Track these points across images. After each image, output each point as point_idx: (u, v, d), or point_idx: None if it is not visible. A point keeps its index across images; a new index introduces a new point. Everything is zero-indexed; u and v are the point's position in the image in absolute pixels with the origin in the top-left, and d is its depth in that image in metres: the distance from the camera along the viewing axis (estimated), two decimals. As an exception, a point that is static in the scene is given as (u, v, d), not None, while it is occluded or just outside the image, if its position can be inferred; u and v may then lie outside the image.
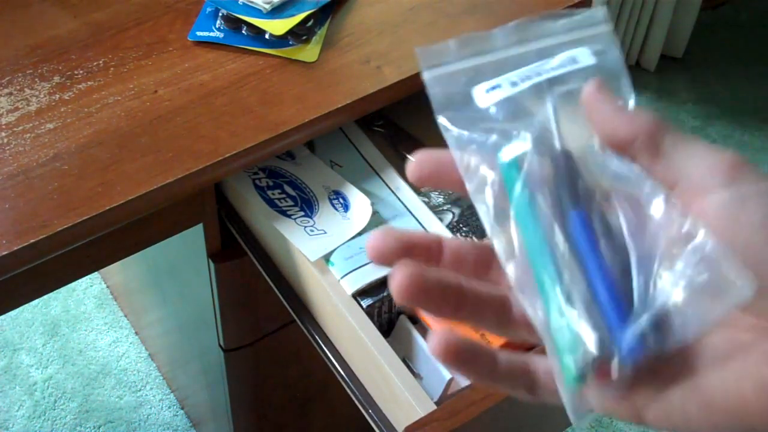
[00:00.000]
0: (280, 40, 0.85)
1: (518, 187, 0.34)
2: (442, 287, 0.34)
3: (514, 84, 0.36)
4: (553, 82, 0.36)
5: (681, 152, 0.32)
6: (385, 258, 0.35)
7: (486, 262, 0.36)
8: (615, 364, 0.31)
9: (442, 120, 0.36)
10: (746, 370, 0.29)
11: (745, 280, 0.30)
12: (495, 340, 0.73)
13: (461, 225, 0.80)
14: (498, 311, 0.35)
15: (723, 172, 0.31)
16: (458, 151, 0.35)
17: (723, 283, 0.30)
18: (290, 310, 0.81)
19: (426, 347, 0.73)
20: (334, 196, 0.82)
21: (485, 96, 0.36)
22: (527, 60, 0.37)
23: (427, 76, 0.37)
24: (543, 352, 0.33)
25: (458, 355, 0.33)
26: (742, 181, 0.31)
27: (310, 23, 0.86)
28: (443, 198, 0.83)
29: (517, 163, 0.34)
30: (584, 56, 0.36)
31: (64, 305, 1.62)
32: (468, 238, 0.35)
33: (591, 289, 0.32)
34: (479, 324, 0.35)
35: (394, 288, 0.33)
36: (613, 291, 0.32)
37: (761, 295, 0.30)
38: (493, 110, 0.36)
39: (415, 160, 0.37)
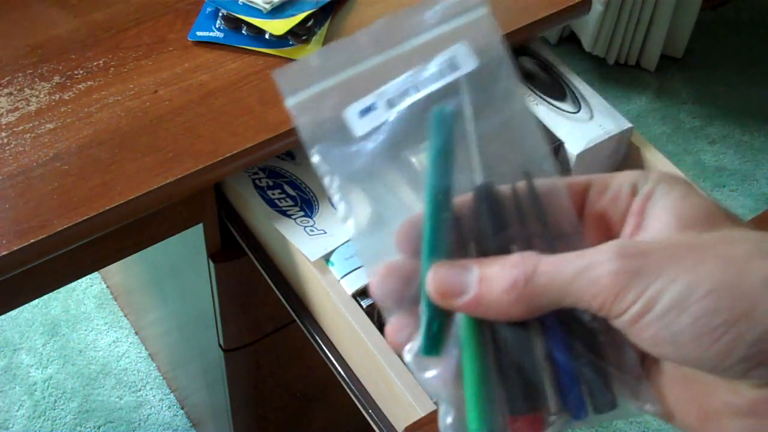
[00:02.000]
0: (280, 40, 0.85)
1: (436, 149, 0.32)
2: None
3: (390, 104, 0.32)
4: (433, 98, 0.32)
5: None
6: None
7: None
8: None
9: (315, 158, 0.32)
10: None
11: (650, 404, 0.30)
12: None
13: (461, 225, 0.80)
14: None
15: (628, 191, 0.33)
16: (337, 194, 0.33)
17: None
18: (290, 310, 0.81)
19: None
20: (334, 196, 0.82)
21: (359, 122, 0.32)
22: (401, 65, 0.32)
23: (290, 103, 0.32)
24: None
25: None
26: (648, 198, 0.32)
27: (310, 23, 0.86)
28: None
29: (448, 118, 0.32)
30: (462, 57, 0.32)
31: (64, 305, 1.62)
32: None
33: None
34: None
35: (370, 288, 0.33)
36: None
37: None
38: (370, 140, 0.32)
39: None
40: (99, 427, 1.47)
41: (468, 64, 0.32)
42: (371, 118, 0.32)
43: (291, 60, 0.84)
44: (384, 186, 0.33)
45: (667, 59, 2.10)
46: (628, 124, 0.84)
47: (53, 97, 0.79)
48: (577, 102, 0.86)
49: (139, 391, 1.52)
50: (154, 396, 1.51)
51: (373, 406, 0.73)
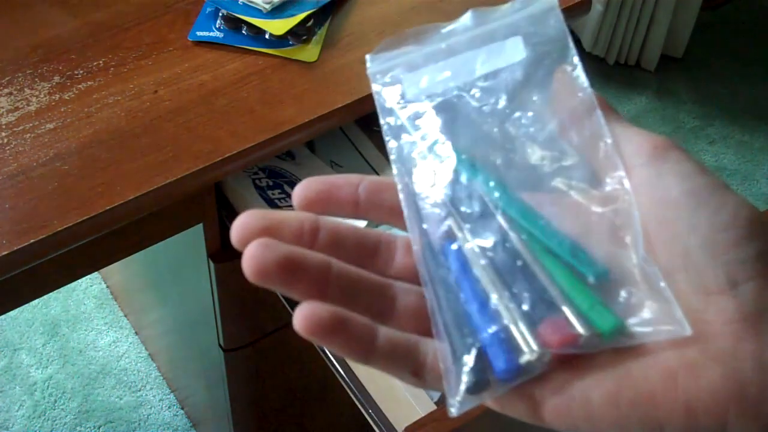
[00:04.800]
0: (280, 40, 0.85)
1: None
2: (306, 265, 0.30)
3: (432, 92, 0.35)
4: (472, 86, 0.34)
5: (614, 134, 0.32)
6: (245, 243, 0.30)
7: (371, 248, 0.33)
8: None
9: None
10: (655, 362, 0.29)
11: (683, 325, 0.29)
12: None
13: (461, 225, 0.80)
14: (379, 299, 0.32)
15: (647, 152, 0.31)
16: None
17: (659, 315, 0.29)
18: (290, 310, 0.81)
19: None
20: (334, 196, 0.82)
21: (413, 83, 0.35)
22: (463, 48, 0.35)
23: (368, 58, 0.36)
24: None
25: (326, 327, 0.29)
26: (665, 160, 0.31)
27: (310, 23, 0.86)
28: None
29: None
30: (514, 49, 0.34)
31: (64, 305, 1.62)
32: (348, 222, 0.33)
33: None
34: (353, 310, 0.31)
35: (245, 263, 0.29)
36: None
37: (669, 274, 0.29)
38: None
39: (301, 184, 0.33)
40: (99, 427, 1.47)
41: (518, 54, 0.34)
42: (423, 79, 0.35)
43: (291, 60, 0.84)
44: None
45: (667, 59, 2.10)
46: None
47: (53, 97, 0.79)
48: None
49: (139, 391, 1.52)
50: (154, 396, 1.51)
51: (373, 406, 0.73)
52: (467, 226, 0.32)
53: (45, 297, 1.48)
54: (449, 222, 0.32)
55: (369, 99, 0.82)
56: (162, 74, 0.82)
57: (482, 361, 0.30)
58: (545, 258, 0.31)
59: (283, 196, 0.81)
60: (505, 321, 0.30)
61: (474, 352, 0.30)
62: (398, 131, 0.34)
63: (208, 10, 0.88)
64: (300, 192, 0.33)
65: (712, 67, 2.10)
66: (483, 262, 0.31)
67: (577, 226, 0.31)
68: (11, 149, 0.75)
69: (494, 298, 0.30)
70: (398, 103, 0.35)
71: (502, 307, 0.30)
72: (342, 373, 0.76)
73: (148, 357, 1.56)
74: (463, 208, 0.32)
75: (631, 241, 0.30)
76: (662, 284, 0.29)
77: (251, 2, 0.86)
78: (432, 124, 0.34)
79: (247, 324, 0.97)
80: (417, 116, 0.34)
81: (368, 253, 0.33)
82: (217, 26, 0.86)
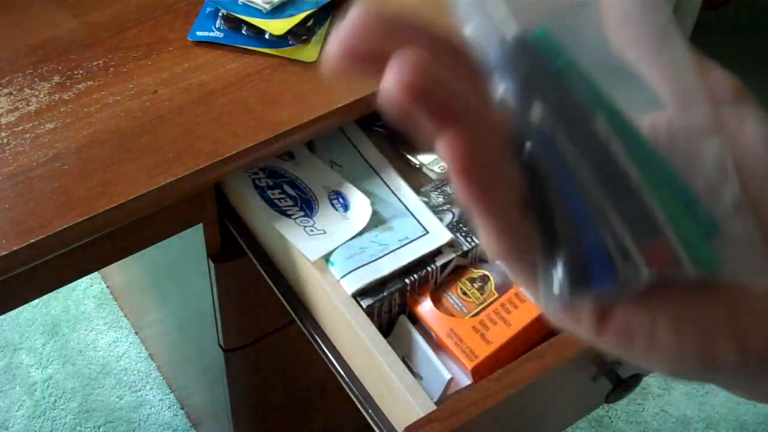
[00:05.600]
0: (280, 40, 0.85)
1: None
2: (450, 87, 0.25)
3: None
4: None
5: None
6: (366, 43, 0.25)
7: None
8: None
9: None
10: (720, 301, 0.28)
11: None
12: (499, 336, 0.73)
13: (461, 225, 0.80)
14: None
15: (730, 91, 0.30)
16: None
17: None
18: (290, 310, 0.81)
19: (426, 348, 0.73)
20: (334, 196, 0.82)
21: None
22: None
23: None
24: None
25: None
26: (745, 103, 0.30)
27: (310, 23, 0.86)
28: (443, 198, 0.83)
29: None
30: None
31: (64, 305, 1.62)
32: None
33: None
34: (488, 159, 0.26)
35: (397, 79, 0.23)
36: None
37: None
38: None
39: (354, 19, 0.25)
40: (99, 427, 1.47)
41: None
42: None
43: (291, 60, 0.84)
44: None
45: (667, 59, 2.10)
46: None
47: (53, 97, 0.79)
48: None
49: (139, 391, 1.52)
50: (154, 396, 1.51)
51: (373, 406, 0.73)
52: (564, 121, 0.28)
53: (45, 297, 1.48)
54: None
55: (369, 99, 0.82)
56: (162, 74, 0.82)
57: (581, 266, 0.28)
58: (651, 182, 0.28)
59: (283, 196, 0.81)
60: (611, 233, 0.28)
61: (576, 256, 0.28)
62: None
63: (208, 10, 0.88)
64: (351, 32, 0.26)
65: (712, 67, 2.10)
66: (582, 162, 0.28)
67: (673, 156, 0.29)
68: (11, 149, 0.75)
69: (598, 205, 0.28)
70: None
71: (607, 217, 0.28)
72: (342, 373, 0.76)
73: (148, 357, 1.56)
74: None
75: (728, 180, 0.29)
76: (754, 230, 0.28)
77: (251, 2, 0.86)
78: None
79: (247, 324, 0.97)
80: None
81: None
82: (217, 26, 0.86)
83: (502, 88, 0.28)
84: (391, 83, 0.24)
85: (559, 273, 0.28)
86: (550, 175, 0.28)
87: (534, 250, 0.28)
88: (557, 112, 0.28)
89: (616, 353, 0.29)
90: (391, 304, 0.75)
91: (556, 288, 0.28)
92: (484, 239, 0.28)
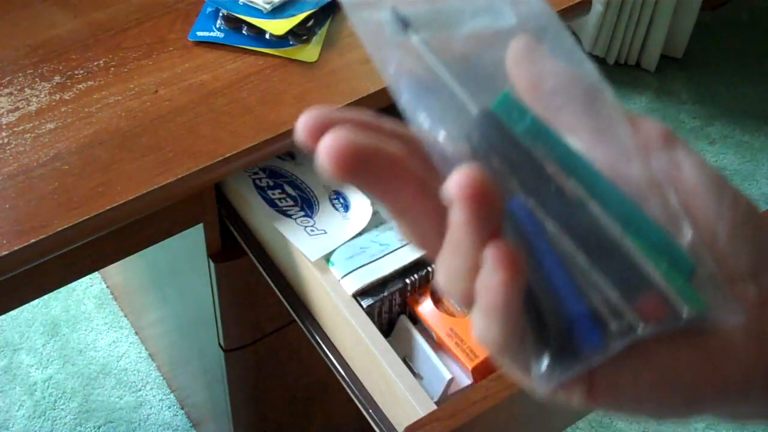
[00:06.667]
0: (280, 40, 0.85)
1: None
2: (385, 155, 0.28)
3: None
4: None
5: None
6: (315, 135, 0.28)
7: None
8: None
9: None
10: (695, 343, 0.29)
11: (735, 311, 0.28)
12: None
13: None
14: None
15: (659, 138, 0.30)
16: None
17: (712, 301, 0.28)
18: (290, 310, 0.81)
19: (426, 348, 0.73)
20: (335, 196, 0.82)
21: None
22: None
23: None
24: None
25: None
26: (676, 148, 0.30)
27: (310, 23, 0.86)
28: (443, 198, 0.83)
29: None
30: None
31: (64, 305, 1.62)
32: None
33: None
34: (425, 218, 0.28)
35: (326, 153, 0.27)
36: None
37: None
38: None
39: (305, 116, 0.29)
40: (99, 427, 1.47)
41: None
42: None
43: (291, 60, 0.84)
44: None
45: (667, 59, 2.10)
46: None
47: (54, 97, 0.79)
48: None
49: (139, 391, 1.52)
50: (154, 396, 1.51)
51: (373, 406, 0.73)
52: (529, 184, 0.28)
53: (45, 297, 1.48)
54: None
55: (369, 99, 0.82)
56: (162, 74, 0.82)
57: (569, 336, 0.28)
58: (628, 231, 0.28)
59: (284, 196, 0.81)
60: (598, 295, 0.28)
61: (563, 327, 0.28)
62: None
63: (209, 10, 0.88)
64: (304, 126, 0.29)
65: (712, 67, 2.10)
66: (557, 227, 0.28)
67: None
68: (11, 149, 0.75)
69: (580, 268, 0.28)
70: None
71: (593, 280, 0.28)
72: (342, 373, 0.76)
73: (148, 357, 1.56)
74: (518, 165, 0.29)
75: (682, 223, 0.29)
76: (715, 270, 0.29)
77: (251, 2, 0.86)
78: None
79: (247, 324, 0.97)
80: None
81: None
82: (217, 26, 0.86)
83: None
84: (323, 158, 0.27)
85: (549, 356, 0.28)
86: (530, 251, 0.28)
87: (526, 337, 0.28)
88: (525, 181, 0.28)
89: (606, 412, 0.30)
90: (391, 304, 0.75)
91: (544, 369, 0.28)
92: (482, 332, 0.28)
